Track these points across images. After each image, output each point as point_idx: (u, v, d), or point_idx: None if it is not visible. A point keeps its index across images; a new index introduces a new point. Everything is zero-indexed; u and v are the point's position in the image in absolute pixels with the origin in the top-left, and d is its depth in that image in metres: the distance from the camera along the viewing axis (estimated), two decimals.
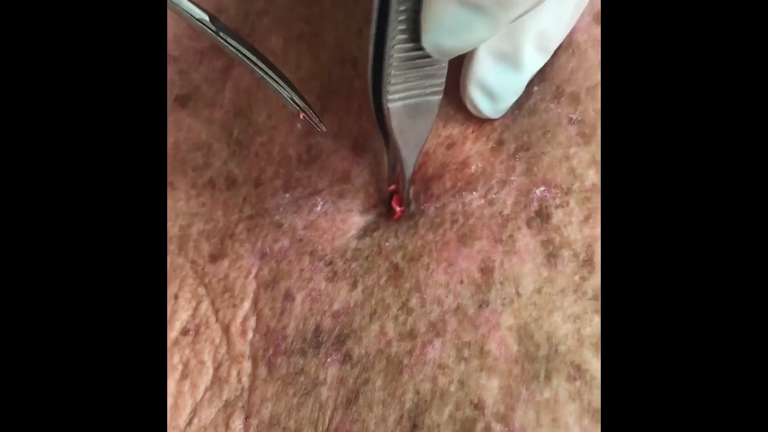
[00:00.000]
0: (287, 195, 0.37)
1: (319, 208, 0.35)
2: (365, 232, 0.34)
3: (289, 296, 0.34)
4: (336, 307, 0.32)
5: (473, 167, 0.33)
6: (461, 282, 0.30)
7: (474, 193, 0.32)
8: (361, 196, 0.35)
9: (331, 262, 0.34)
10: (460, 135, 0.34)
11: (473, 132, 0.34)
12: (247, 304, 0.35)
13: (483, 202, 0.32)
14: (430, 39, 0.26)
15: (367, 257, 0.33)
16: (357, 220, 0.35)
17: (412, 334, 0.30)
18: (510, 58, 0.32)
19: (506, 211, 0.31)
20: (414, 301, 0.31)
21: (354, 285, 0.32)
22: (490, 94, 0.33)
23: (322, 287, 0.33)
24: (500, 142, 0.33)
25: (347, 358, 0.31)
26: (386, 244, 0.33)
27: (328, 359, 0.31)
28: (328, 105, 0.37)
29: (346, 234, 0.34)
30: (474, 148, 0.34)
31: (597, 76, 0.32)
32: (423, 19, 0.25)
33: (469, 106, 0.33)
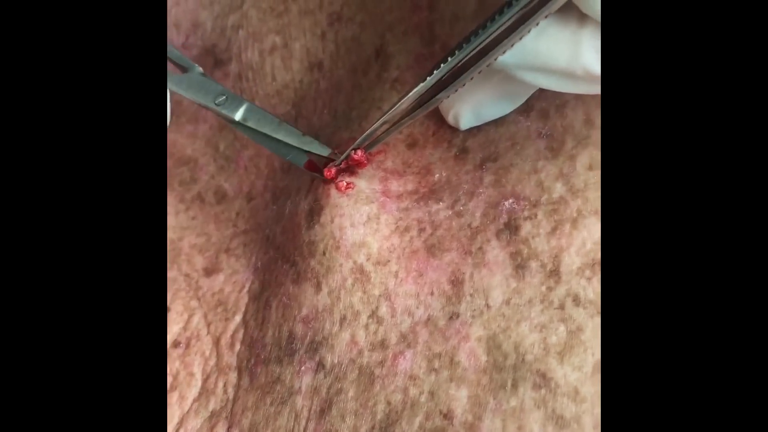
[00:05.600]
0: (274, 207, 0.37)
1: (287, 210, 0.36)
2: (311, 217, 0.34)
3: (267, 305, 0.34)
4: (304, 311, 0.33)
5: (437, 175, 0.33)
6: (432, 294, 0.31)
7: (440, 203, 0.33)
8: (307, 180, 0.35)
9: (294, 263, 0.34)
10: (420, 136, 0.35)
11: (433, 134, 0.34)
12: (238, 318, 0.35)
13: (450, 213, 0.32)
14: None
15: (324, 252, 0.33)
16: (303, 206, 0.34)
17: (383, 345, 0.31)
18: (513, 96, 0.33)
19: (475, 223, 0.32)
20: (384, 310, 0.31)
21: (318, 286, 0.33)
22: (479, 118, 0.33)
23: (290, 291, 0.34)
24: (464, 150, 0.33)
25: (320, 366, 0.32)
26: (343, 237, 0.33)
27: (302, 367, 0.32)
28: (300, 111, 0.38)
29: (300, 227, 0.34)
30: (436, 154, 0.34)
31: (566, 95, 0.33)
32: None
33: (450, 119, 0.34)
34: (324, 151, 0.33)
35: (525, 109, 0.33)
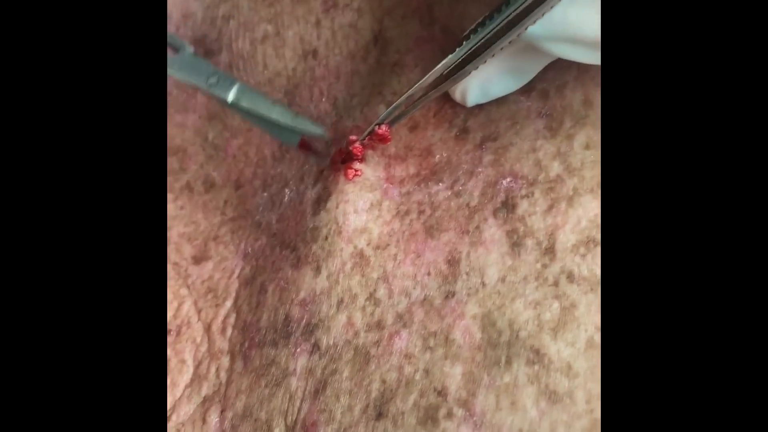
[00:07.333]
0: (265, 194, 0.37)
1: (286, 198, 0.36)
2: (318, 204, 0.34)
3: (263, 289, 0.34)
4: (302, 295, 0.33)
5: (437, 156, 0.33)
6: (429, 274, 0.31)
7: (440, 184, 0.33)
8: (314, 170, 0.35)
9: (295, 248, 0.34)
10: (422, 117, 0.35)
11: (434, 115, 0.34)
12: (229, 303, 0.35)
13: (450, 193, 0.32)
14: None
15: (326, 237, 0.33)
16: (310, 194, 0.35)
17: (379, 325, 0.31)
18: (521, 73, 0.33)
19: (473, 203, 0.31)
20: (381, 292, 0.31)
21: (317, 270, 0.33)
22: (486, 95, 0.33)
23: (288, 275, 0.33)
24: (465, 131, 0.33)
25: (316, 348, 0.31)
26: (346, 222, 0.33)
27: (298, 349, 0.32)
28: (293, 99, 0.38)
29: (304, 214, 0.34)
30: (437, 135, 0.34)
31: (566, 77, 0.33)
32: None
33: (458, 96, 0.34)
34: (318, 130, 0.33)
35: (526, 89, 0.33)
